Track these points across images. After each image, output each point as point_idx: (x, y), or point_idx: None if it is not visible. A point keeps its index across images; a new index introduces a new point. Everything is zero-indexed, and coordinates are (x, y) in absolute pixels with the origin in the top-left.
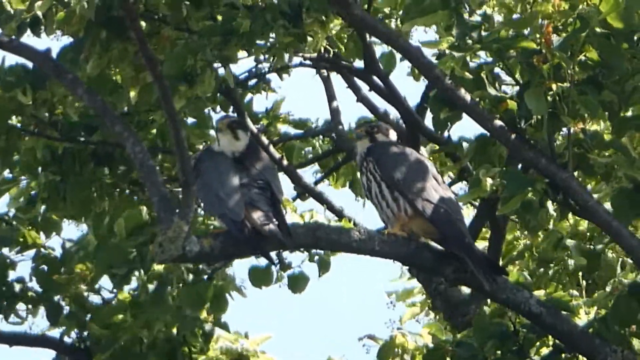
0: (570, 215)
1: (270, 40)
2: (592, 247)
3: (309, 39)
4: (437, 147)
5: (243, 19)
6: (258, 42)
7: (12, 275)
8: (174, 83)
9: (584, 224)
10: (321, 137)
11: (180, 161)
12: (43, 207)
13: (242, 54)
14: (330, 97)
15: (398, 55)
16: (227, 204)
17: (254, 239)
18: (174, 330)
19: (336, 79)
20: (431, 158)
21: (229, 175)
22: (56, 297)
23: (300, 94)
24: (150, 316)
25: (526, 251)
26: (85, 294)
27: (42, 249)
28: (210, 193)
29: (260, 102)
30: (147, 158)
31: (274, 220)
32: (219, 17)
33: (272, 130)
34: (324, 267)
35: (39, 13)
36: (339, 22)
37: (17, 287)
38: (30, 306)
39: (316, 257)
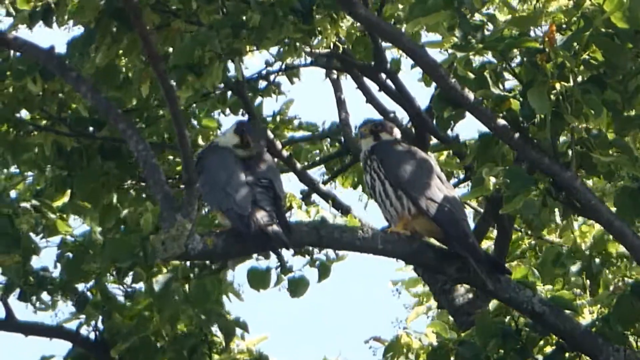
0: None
1: (280, 36)
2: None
3: (319, 35)
4: (441, 145)
5: (253, 13)
6: (268, 36)
7: (36, 261)
8: (182, 73)
9: (586, 240)
10: (329, 140)
11: (184, 159)
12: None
13: (252, 53)
14: (339, 99)
15: (406, 63)
16: (234, 199)
17: (258, 236)
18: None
19: (345, 82)
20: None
21: (235, 170)
22: (81, 287)
23: (309, 96)
24: (176, 311)
25: (529, 250)
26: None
27: (69, 237)
28: (216, 187)
29: (269, 105)
30: (150, 156)
31: (277, 220)
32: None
33: (279, 134)
34: (324, 272)
35: (51, 1)
36: (349, 20)
37: (41, 275)
38: (55, 295)
39: (317, 263)
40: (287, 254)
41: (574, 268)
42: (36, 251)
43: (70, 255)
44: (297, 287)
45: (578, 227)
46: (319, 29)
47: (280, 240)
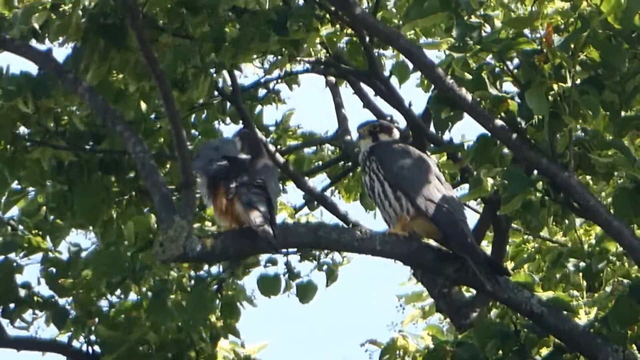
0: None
1: (262, 48)
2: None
3: (304, 44)
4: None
5: (232, 26)
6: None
7: (18, 279)
8: None
9: (590, 238)
10: (332, 148)
11: (181, 161)
12: (47, 212)
13: (249, 65)
14: (338, 105)
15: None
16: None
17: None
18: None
19: (343, 87)
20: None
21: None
22: (62, 302)
23: (308, 103)
24: (155, 319)
25: (537, 254)
26: (94, 298)
27: (49, 253)
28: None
29: (270, 113)
30: (148, 157)
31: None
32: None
33: (281, 143)
34: (331, 277)
35: (36, 25)
36: (330, 27)
37: (23, 292)
38: (36, 311)
39: (325, 267)
40: (294, 259)
41: (573, 267)
42: (19, 270)
43: (54, 270)
44: (306, 292)
45: (580, 225)
46: (299, 39)
47: (269, 242)
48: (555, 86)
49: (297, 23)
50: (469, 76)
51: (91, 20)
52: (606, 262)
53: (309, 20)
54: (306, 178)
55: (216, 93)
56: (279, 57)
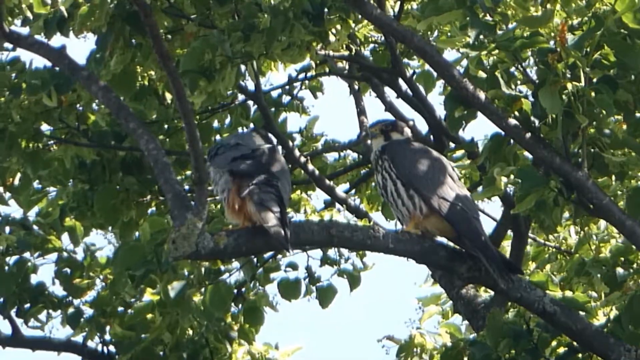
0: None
1: (291, 38)
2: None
3: (332, 38)
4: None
5: (264, 15)
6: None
7: (33, 279)
8: (193, 78)
9: (606, 250)
10: (355, 156)
11: (194, 158)
12: (68, 212)
13: (276, 69)
14: (361, 111)
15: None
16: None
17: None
18: (193, 332)
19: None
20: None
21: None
22: (77, 302)
23: (331, 108)
24: (176, 316)
25: (558, 254)
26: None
27: (64, 253)
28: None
29: (293, 120)
30: (161, 155)
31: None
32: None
33: (305, 150)
34: (354, 282)
35: (63, 9)
36: (364, 22)
37: (38, 292)
38: (50, 310)
39: (345, 275)
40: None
41: (599, 275)
42: (34, 270)
43: (68, 270)
44: (326, 296)
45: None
46: (332, 30)
47: (280, 241)
48: (569, 85)
49: (335, 14)
50: (483, 75)
51: (118, 6)
52: (632, 272)
53: (346, 12)
54: (329, 182)
55: (240, 97)
56: (309, 47)
